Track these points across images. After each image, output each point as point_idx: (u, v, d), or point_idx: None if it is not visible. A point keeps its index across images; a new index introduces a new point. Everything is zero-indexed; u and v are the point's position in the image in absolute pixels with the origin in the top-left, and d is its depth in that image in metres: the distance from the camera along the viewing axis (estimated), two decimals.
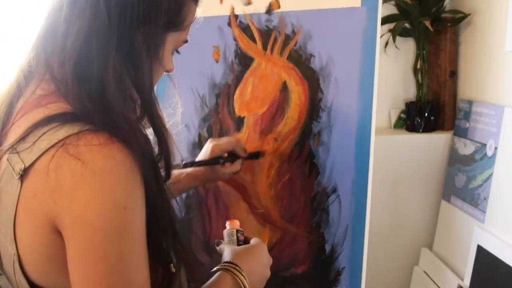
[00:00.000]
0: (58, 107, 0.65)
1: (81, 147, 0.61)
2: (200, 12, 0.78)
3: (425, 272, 1.64)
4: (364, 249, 1.22)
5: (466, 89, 1.64)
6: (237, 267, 0.81)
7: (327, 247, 1.25)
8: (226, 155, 1.18)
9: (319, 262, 1.26)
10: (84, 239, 0.60)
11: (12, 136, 0.67)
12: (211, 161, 1.15)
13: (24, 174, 0.63)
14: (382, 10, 1.21)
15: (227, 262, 0.82)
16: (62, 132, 0.62)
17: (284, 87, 1.28)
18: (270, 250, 1.28)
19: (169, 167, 0.73)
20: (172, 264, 0.72)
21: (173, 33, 0.72)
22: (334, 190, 1.24)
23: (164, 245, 0.71)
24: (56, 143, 0.61)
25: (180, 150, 1.39)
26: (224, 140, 1.19)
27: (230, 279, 0.80)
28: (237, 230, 0.95)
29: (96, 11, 0.64)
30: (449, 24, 1.64)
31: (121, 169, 0.61)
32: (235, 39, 1.31)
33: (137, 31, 0.66)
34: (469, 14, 1.58)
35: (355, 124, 1.22)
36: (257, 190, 1.30)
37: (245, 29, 1.30)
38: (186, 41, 0.77)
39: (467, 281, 1.42)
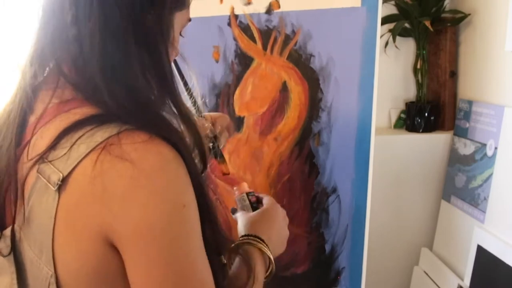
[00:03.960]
0: (85, 111, 0.61)
1: (125, 146, 0.56)
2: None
3: (425, 272, 1.64)
4: (364, 249, 1.22)
5: (466, 89, 1.64)
6: (256, 239, 0.78)
7: (327, 247, 1.25)
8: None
9: (319, 262, 1.26)
10: (148, 246, 0.56)
11: (36, 147, 0.61)
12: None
13: (62, 184, 0.57)
14: (382, 10, 1.22)
15: (246, 235, 0.79)
16: (100, 134, 0.57)
17: (284, 87, 1.28)
18: None
19: (204, 156, 0.69)
20: (222, 256, 0.70)
21: (179, 12, 0.68)
22: (334, 190, 1.24)
23: (211, 238, 0.67)
24: (96, 147, 0.56)
25: None
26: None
27: (257, 254, 0.77)
28: (247, 194, 0.91)
29: (104, 4, 0.60)
30: (449, 24, 1.64)
31: (171, 166, 0.58)
32: (235, 39, 1.31)
33: (147, 16, 0.63)
34: (469, 14, 1.58)
35: (355, 124, 1.22)
36: (257, 190, 1.30)
37: (245, 29, 1.30)
38: (189, 20, 0.72)
39: (467, 281, 1.42)
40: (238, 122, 1.31)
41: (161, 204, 0.56)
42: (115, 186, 0.55)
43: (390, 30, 1.66)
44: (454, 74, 1.68)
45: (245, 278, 0.73)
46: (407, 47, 1.74)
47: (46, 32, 0.63)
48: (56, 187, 0.57)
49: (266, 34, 1.29)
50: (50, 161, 0.59)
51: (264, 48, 1.29)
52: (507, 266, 1.26)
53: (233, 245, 0.77)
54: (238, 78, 1.31)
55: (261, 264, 0.76)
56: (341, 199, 1.23)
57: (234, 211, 0.90)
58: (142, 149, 0.56)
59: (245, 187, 0.93)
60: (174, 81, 0.67)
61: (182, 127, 0.66)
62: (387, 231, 1.69)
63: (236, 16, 1.30)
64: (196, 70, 1.33)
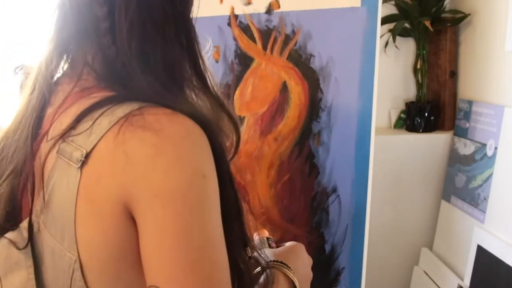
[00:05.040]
0: (104, 95, 0.61)
1: (147, 117, 0.56)
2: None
3: (425, 272, 1.64)
4: (364, 249, 1.22)
5: (466, 89, 1.64)
6: (285, 265, 0.74)
7: (327, 247, 1.25)
8: None
9: (319, 262, 1.26)
10: (163, 210, 0.54)
11: (55, 132, 0.61)
12: None
13: (85, 160, 0.56)
14: (382, 10, 1.22)
15: (274, 261, 0.75)
16: (121, 109, 0.57)
17: (284, 87, 1.28)
18: None
19: (238, 141, 0.71)
20: (248, 248, 0.68)
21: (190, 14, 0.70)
22: (334, 190, 1.24)
23: (239, 230, 0.66)
24: (118, 121, 0.56)
25: None
26: None
27: (283, 278, 0.73)
28: (267, 238, 0.90)
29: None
30: (449, 24, 1.64)
31: (193, 136, 0.57)
32: (235, 39, 1.31)
33: (179, 9, 0.65)
34: (469, 14, 1.58)
35: (355, 124, 1.22)
36: (257, 190, 1.30)
37: (245, 29, 1.30)
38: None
39: (467, 281, 1.42)
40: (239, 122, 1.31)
41: (183, 170, 0.55)
42: (137, 153, 0.55)
43: (390, 30, 1.66)
44: (454, 74, 1.68)
45: None
46: (407, 47, 1.74)
47: (70, 26, 0.64)
48: (79, 164, 0.56)
49: (266, 34, 1.29)
50: (71, 140, 0.58)
51: (264, 48, 1.29)
52: (507, 266, 1.26)
53: (256, 270, 0.73)
54: (238, 78, 1.31)
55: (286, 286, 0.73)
56: (341, 199, 1.23)
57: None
58: (164, 120, 0.56)
59: (266, 233, 0.92)
60: (205, 66, 0.68)
61: (214, 110, 0.67)
62: (387, 231, 1.69)
63: (236, 16, 1.30)
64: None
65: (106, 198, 0.56)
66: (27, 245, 0.61)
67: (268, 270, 0.73)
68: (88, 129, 0.57)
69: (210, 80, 0.69)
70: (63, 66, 0.67)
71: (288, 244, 0.84)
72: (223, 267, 0.56)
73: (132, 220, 0.56)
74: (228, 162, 0.64)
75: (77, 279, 0.58)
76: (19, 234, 0.62)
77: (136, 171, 0.54)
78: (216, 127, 0.64)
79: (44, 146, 0.61)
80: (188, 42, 0.66)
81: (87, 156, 0.56)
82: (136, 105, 0.57)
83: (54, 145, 0.60)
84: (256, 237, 0.91)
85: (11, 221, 0.64)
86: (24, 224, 0.62)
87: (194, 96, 0.67)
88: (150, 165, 0.54)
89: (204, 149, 0.58)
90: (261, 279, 0.72)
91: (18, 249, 0.61)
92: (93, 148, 0.56)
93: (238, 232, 0.66)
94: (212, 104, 0.68)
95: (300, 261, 0.79)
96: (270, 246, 0.88)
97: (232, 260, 0.61)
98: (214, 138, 0.60)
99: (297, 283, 0.74)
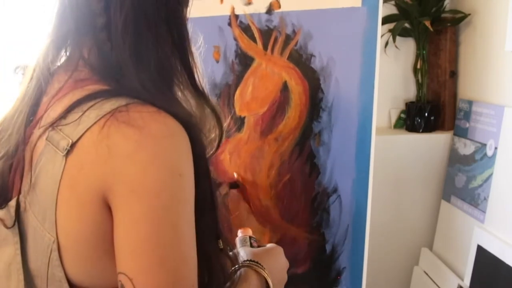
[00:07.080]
0: (97, 87, 0.64)
1: (132, 114, 0.59)
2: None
3: (425, 272, 1.64)
4: (364, 249, 1.22)
5: (466, 89, 1.65)
6: (259, 265, 0.78)
7: (328, 247, 1.25)
8: None
9: (319, 262, 1.26)
10: (139, 205, 0.57)
11: (48, 119, 0.64)
12: None
13: (70, 149, 0.60)
14: (382, 10, 1.22)
15: (248, 260, 0.79)
16: (109, 104, 0.60)
17: (285, 87, 1.28)
18: None
19: (221, 136, 0.74)
20: (220, 240, 0.71)
21: (185, 9, 0.71)
22: (335, 190, 1.24)
23: (211, 222, 0.69)
24: (105, 115, 0.59)
25: None
26: None
27: (255, 276, 0.77)
28: (250, 237, 0.93)
29: None
30: (449, 24, 1.64)
31: (175, 136, 0.60)
32: (235, 39, 1.31)
33: (170, 4, 0.67)
34: (469, 14, 1.58)
35: (356, 124, 1.22)
36: (257, 190, 1.30)
37: (246, 29, 1.30)
38: (187, 20, 0.75)
39: (467, 281, 1.42)
40: (239, 122, 1.31)
41: (161, 168, 0.58)
42: (119, 148, 0.58)
43: (390, 30, 1.66)
44: (454, 74, 1.68)
45: None
46: (407, 47, 1.74)
47: (68, 21, 0.66)
48: (65, 152, 0.60)
49: (267, 34, 1.29)
50: (60, 129, 0.62)
51: (265, 48, 1.29)
52: (507, 266, 1.26)
53: (232, 269, 0.77)
54: (239, 78, 1.31)
55: (256, 284, 0.76)
56: (342, 199, 1.24)
57: (230, 250, 0.86)
58: (148, 117, 0.59)
59: (250, 232, 0.95)
60: (194, 62, 0.71)
61: (199, 105, 0.71)
62: (387, 231, 1.69)
63: (237, 16, 1.30)
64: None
65: (86, 187, 0.59)
66: (14, 223, 0.65)
67: (242, 269, 0.77)
68: (76, 120, 0.61)
69: (198, 76, 0.71)
70: (60, 59, 0.70)
71: (267, 245, 0.88)
72: (191, 265, 0.60)
73: (108, 210, 0.59)
74: (206, 158, 0.68)
75: (54, 259, 0.62)
76: (7, 212, 0.66)
77: (116, 165, 0.58)
78: (199, 126, 0.67)
79: (36, 132, 0.65)
80: (179, 39, 0.68)
81: (73, 145, 0.60)
82: (124, 101, 0.60)
83: (44, 131, 0.64)
84: (239, 234, 0.94)
85: (0, 199, 0.68)
86: (12, 203, 0.66)
87: (180, 93, 0.69)
88: (130, 160, 0.57)
89: (183, 148, 0.61)
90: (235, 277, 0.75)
91: (6, 227, 0.65)
92: (78, 139, 0.60)
93: (211, 225, 0.69)
94: (198, 101, 0.71)
95: (275, 263, 0.83)
96: (251, 245, 0.91)
97: (204, 252, 0.64)
98: (195, 137, 0.63)
99: (270, 283, 0.77)
